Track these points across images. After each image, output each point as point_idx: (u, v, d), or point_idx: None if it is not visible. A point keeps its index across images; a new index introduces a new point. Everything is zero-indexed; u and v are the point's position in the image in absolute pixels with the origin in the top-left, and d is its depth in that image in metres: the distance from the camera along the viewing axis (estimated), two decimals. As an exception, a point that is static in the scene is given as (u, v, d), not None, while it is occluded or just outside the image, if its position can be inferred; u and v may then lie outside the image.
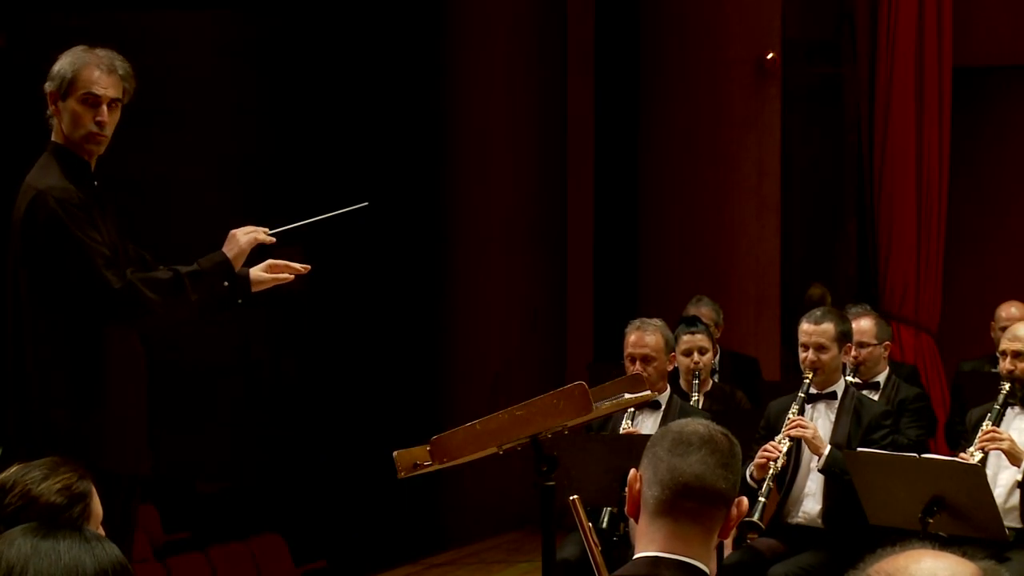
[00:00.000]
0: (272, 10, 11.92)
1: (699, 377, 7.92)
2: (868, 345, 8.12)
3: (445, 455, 4.55)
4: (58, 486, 3.62)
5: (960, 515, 6.13)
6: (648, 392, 5.04)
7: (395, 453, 4.60)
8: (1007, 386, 6.86)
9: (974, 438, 6.75)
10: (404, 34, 11.58)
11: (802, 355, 7.02)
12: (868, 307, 9.26)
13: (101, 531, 3.60)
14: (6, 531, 2.59)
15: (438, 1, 11.42)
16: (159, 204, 12.09)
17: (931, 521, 6.10)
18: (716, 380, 8.55)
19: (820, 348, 6.95)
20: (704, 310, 9.34)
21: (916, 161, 11.60)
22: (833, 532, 6.78)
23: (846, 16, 12.15)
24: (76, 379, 5.04)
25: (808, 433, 6.77)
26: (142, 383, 5.17)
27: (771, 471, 6.73)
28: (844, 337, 7.04)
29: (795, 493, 6.91)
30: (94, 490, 3.67)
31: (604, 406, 4.76)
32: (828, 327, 6.96)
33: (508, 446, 4.58)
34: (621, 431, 6.88)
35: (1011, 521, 6.61)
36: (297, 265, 5.35)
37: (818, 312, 7.09)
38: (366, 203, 5.49)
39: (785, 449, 6.77)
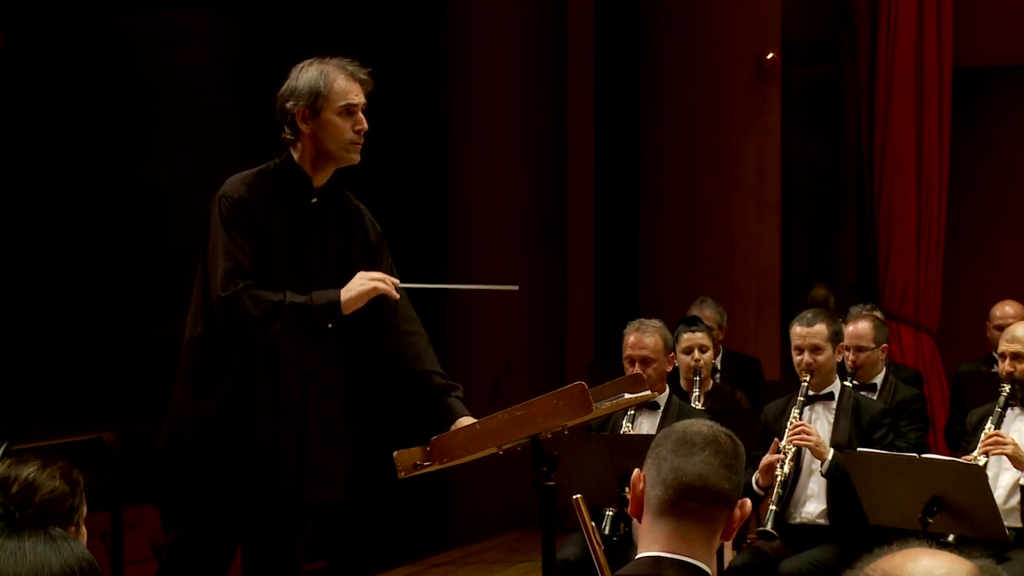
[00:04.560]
0: (272, 10, 11.92)
1: (700, 376, 7.92)
2: (866, 349, 8.10)
3: (445, 455, 4.56)
4: (58, 472, 3.71)
5: (960, 515, 6.13)
6: (648, 392, 5.04)
7: (395, 453, 4.60)
8: (1007, 388, 6.86)
9: (975, 440, 6.75)
10: (404, 34, 11.57)
11: (796, 358, 7.01)
12: (873, 307, 9.23)
13: (84, 529, 3.67)
14: None
15: (438, 1, 11.42)
16: (159, 205, 12.09)
17: (931, 521, 6.10)
18: (718, 380, 8.55)
19: (815, 349, 6.95)
20: (707, 312, 9.34)
21: (916, 161, 11.60)
22: (838, 529, 6.79)
23: (846, 16, 12.14)
24: (202, 369, 5.08)
25: (812, 441, 6.76)
26: (289, 402, 5.10)
27: (779, 477, 6.73)
28: (837, 337, 7.05)
29: (797, 495, 6.90)
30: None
31: (604, 406, 4.76)
32: (821, 328, 6.96)
33: (508, 446, 4.58)
34: (621, 433, 6.88)
35: (1011, 521, 6.61)
36: None
37: (808, 314, 7.08)
38: (516, 287, 5.49)
39: (790, 455, 6.78)
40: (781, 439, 6.84)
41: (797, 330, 7.02)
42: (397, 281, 5.18)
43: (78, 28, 12.37)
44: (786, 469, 6.76)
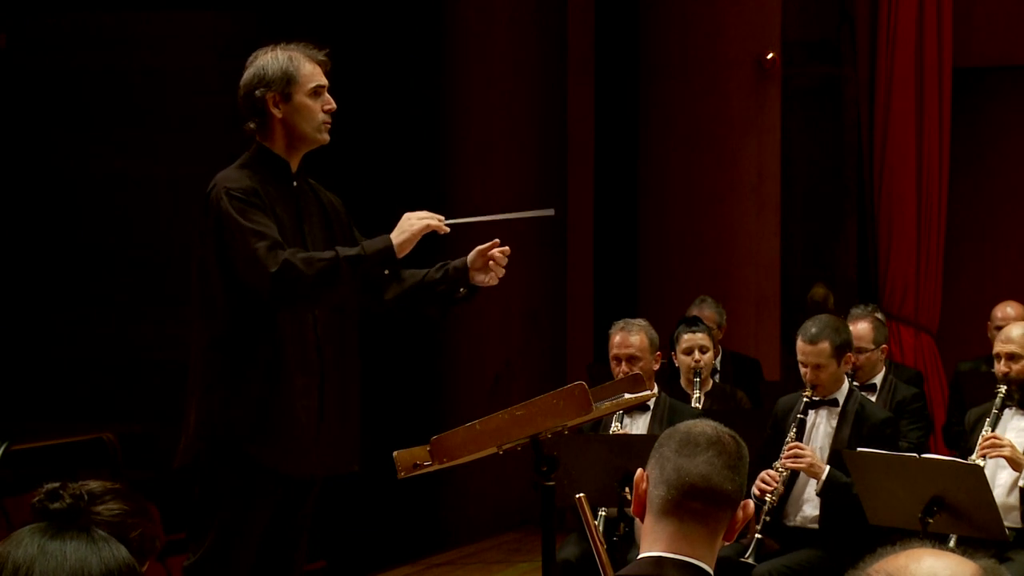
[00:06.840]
0: (272, 10, 11.92)
1: (700, 376, 7.92)
2: (866, 350, 8.09)
3: (445, 455, 4.55)
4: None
5: (960, 515, 6.14)
6: (648, 392, 5.04)
7: (395, 453, 4.60)
8: (1003, 388, 6.86)
9: (973, 439, 6.75)
10: (404, 34, 11.58)
11: (801, 369, 6.95)
12: (873, 307, 9.23)
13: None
14: (16, 531, 2.58)
15: (438, 1, 11.42)
16: (159, 204, 12.09)
17: (931, 521, 6.10)
18: (717, 380, 8.55)
19: (817, 367, 6.85)
20: (707, 311, 9.34)
21: (916, 161, 11.60)
22: (827, 533, 6.77)
23: (846, 16, 12.14)
24: (229, 366, 5.03)
25: (804, 463, 6.73)
26: (312, 379, 5.09)
27: (767, 504, 6.71)
28: (842, 349, 6.88)
29: (794, 497, 6.88)
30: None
31: (604, 406, 4.76)
32: (824, 346, 6.81)
33: (508, 446, 4.58)
34: (611, 433, 6.88)
35: (1011, 521, 6.61)
36: (498, 252, 5.24)
37: (813, 329, 6.87)
38: (552, 211, 5.48)
39: (783, 478, 6.76)
40: (787, 435, 6.83)
41: (800, 345, 6.88)
42: (442, 217, 5.15)
43: (77, 28, 12.37)
44: (775, 497, 6.75)
